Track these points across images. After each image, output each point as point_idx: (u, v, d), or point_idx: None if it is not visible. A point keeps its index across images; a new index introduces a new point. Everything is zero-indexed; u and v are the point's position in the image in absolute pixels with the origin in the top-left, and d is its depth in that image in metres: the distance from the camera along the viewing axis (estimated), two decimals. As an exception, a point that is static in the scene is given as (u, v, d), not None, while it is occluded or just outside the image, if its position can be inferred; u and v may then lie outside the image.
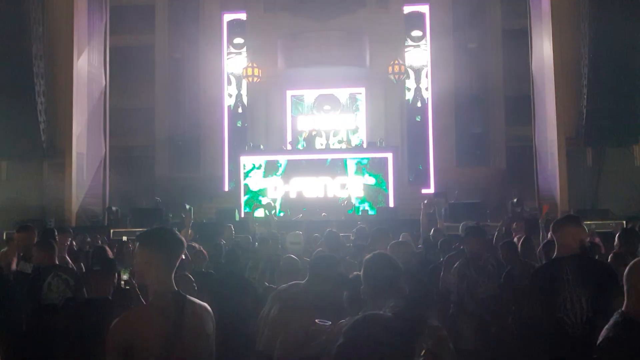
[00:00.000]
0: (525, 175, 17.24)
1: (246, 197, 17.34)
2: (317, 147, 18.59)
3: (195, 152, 21.07)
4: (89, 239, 9.64)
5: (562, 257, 3.86)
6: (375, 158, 17.42)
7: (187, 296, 2.65)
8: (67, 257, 6.03)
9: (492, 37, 20.51)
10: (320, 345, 3.28)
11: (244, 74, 20.08)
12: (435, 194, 17.30)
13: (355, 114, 20.44)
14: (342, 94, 20.59)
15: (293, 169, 17.35)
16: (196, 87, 21.19)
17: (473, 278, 5.10)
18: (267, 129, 20.49)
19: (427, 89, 20.88)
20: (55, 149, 14.83)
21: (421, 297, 3.44)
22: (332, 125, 20.15)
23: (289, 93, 20.62)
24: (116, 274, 5.01)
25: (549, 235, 6.58)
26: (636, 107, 13.60)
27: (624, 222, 11.56)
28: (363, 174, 17.14)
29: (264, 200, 16.76)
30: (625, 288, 2.75)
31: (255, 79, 19.88)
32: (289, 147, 19.06)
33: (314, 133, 18.76)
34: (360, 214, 16.28)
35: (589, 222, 10.55)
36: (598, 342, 2.71)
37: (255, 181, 17.44)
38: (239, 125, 21.39)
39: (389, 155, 17.35)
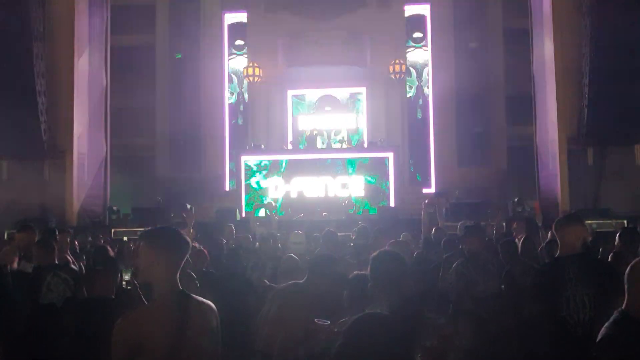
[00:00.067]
0: (526, 174, 17.23)
1: (248, 195, 17.31)
2: (318, 147, 18.59)
3: (196, 152, 21.07)
4: (90, 239, 9.64)
5: (565, 256, 3.87)
6: (376, 158, 17.41)
7: (192, 295, 2.65)
8: (69, 257, 6.03)
9: (493, 36, 20.51)
10: (320, 344, 3.28)
11: (245, 74, 20.08)
12: (436, 194, 17.31)
13: (356, 113, 20.43)
14: (343, 93, 20.59)
15: (294, 169, 17.35)
16: (197, 87, 21.20)
17: (472, 277, 5.11)
18: (267, 128, 20.49)
19: (428, 87, 20.88)
20: (56, 148, 14.83)
21: (418, 295, 3.45)
22: (333, 125, 20.14)
23: (290, 93, 20.61)
24: (119, 274, 5.02)
25: (549, 234, 6.62)
26: (638, 107, 13.58)
27: (625, 221, 11.57)
28: (363, 174, 17.13)
29: (266, 200, 16.76)
30: (626, 287, 2.75)
31: (256, 79, 19.88)
32: (289, 146, 19.04)
33: (314, 133, 18.75)
34: (361, 213, 16.28)
35: (590, 222, 10.58)
36: (597, 339, 2.72)
37: (258, 180, 17.44)
38: (240, 122, 21.35)
39: (390, 155, 17.35)
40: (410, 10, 20.82)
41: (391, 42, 19.67)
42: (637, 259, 2.80)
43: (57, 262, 5.18)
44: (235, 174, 18.91)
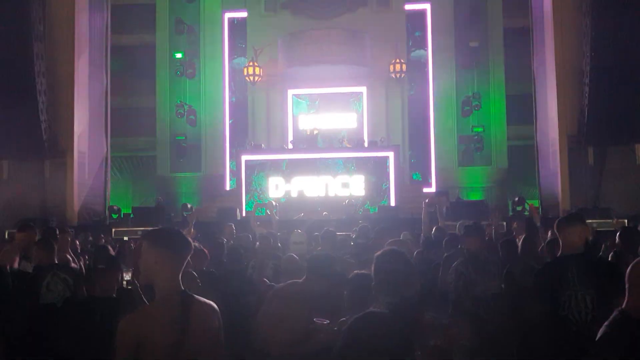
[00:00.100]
0: (526, 174, 17.24)
1: (249, 194, 17.29)
2: (319, 146, 18.56)
3: (196, 152, 21.08)
4: (90, 238, 9.65)
5: (566, 255, 3.87)
6: (376, 157, 17.40)
7: (194, 295, 2.66)
8: (69, 256, 6.02)
9: (494, 35, 20.51)
10: (319, 343, 3.28)
11: (245, 73, 20.07)
12: (437, 193, 17.29)
13: (356, 113, 20.41)
14: (343, 93, 20.56)
15: (294, 168, 17.34)
16: (197, 87, 21.20)
17: (470, 277, 5.10)
18: (268, 128, 20.48)
19: (428, 86, 20.86)
20: (56, 148, 14.84)
21: (418, 295, 3.45)
22: (334, 124, 20.12)
23: (290, 92, 20.59)
24: (120, 273, 5.01)
25: (549, 234, 6.61)
26: (638, 106, 13.57)
27: (626, 220, 11.57)
28: (364, 173, 17.12)
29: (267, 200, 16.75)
30: (626, 286, 2.75)
31: (256, 78, 19.87)
32: (290, 146, 19.03)
33: (315, 132, 18.73)
34: (361, 212, 16.27)
35: (590, 221, 10.56)
36: (596, 338, 2.72)
37: (259, 180, 17.45)
38: (240, 122, 21.32)
39: (390, 155, 17.33)
40: (410, 9, 20.80)
41: (391, 42, 19.65)
42: (637, 259, 2.80)
43: (56, 262, 5.17)
44: (235, 174, 18.90)
